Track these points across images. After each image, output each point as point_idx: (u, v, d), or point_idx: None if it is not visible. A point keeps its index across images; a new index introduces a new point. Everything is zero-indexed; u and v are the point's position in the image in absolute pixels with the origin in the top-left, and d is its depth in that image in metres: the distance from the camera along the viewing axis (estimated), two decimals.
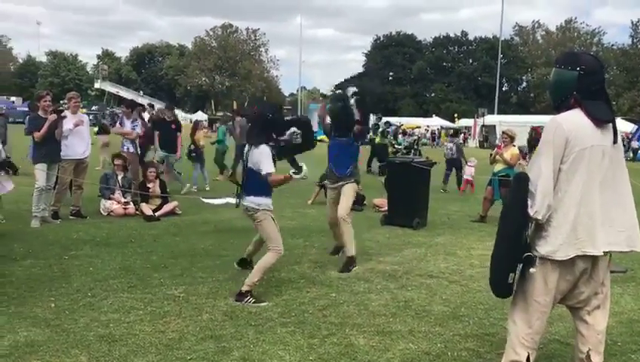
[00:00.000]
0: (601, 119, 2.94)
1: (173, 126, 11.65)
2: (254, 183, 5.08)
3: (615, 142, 2.98)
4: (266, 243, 5.21)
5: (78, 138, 8.50)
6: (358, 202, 10.65)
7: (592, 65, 2.99)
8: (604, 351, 3.21)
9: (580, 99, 2.96)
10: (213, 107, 68.54)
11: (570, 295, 3.10)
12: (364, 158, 14.25)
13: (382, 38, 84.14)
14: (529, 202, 2.89)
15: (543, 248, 2.94)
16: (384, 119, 19.93)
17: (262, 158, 4.95)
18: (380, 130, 18.17)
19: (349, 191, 6.31)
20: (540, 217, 2.88)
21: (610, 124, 2.97)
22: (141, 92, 76.72)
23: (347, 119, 6.24)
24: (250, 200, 5.11)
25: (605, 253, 2.97)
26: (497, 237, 3.09)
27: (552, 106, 3.18)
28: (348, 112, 6.22)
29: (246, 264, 5.77)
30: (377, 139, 17.73)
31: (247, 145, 5.22)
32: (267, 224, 5.10)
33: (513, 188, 3.11)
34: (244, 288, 4.95)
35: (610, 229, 2.94)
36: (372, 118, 19.77)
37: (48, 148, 7.97)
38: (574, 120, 2.92)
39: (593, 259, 2.98)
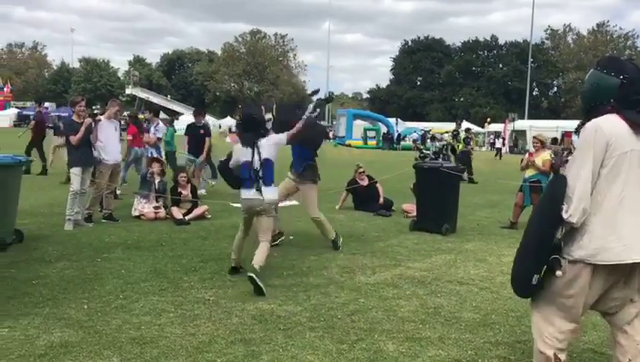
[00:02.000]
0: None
1: (202, 131, 11.80)
2: (270, 174, 5.61)
3: None
4: (261, 236, 5.65)
5: (112, 142, 8.70)
6: (387, 207, 10.64)
7: (635, 75, 2.92)
8: None
9: (617, 106, 2.90)
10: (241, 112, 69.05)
11: (602, 300, 3.03)
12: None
13: (410, 43, 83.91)
14: (564, 205, 2.84)
15: (577, 252, 2.87)
16: (464, 126, 19.81)
17: (274, 139, 5.67)
18: (463, 136, 18.08)
19: (308, 194, 7.15)
20: (574, 221, 2.82)
21: None
22: (169, 96, 77.70)
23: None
24: (271, 193, 5.61)
25: None
26: (526, 237, 3.04)
27: (582, 109, 3.12)
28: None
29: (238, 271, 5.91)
30: (460, 146, 17.64)
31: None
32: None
33: (550, 190, 3.05)
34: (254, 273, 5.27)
35: None
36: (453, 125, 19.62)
37: (83, 152, 8.14)
38: (614, 124, 2.87)
39: (630, 266, 2.91)
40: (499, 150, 38.04)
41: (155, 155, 10.20)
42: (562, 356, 3.04)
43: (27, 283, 5.37)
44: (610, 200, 2.84)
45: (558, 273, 2.86)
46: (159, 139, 10.43)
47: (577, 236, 2.89)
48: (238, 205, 10.59)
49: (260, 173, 5.56)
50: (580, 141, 2.96)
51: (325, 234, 7.31)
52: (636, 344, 3.04)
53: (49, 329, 4.25)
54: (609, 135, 2.82)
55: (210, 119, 41.27)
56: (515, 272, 3.10)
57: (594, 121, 2.91)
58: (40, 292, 5.10)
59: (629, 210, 2.84)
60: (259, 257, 5.49)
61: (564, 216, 2.83)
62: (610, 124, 2.86)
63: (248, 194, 5.60)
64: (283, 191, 7.07)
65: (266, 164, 5.59)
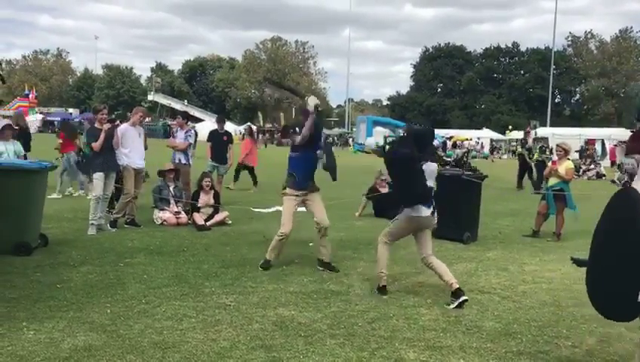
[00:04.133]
0: None
1: (224, 138, 11.90)
2: None
3: None
4: (428, 250, 5.69)
5: (137, 148, 8.82)
6: None
7: None
8: None
9: None
10: (261, 119, 69.49)
11: None
12: None
13: (431, 50, 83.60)
14: None
15: None
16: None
17: (432, 167, 5.72)
18: (540, 146, 18.16)
19: (320, 201, 6.68)
20: None
21: None
22: (185, 101, 78.14)
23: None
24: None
25: None
26: (613, 254, 3.07)
27: (635, 117, 3.23)
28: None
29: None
30: (536, 156, 17.67)
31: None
32: None
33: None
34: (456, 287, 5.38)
35: None
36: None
37: (105, 158, 8.26)
38: None
39: None
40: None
41: (184, 161, 10.28)
42: None
43: (52, 286, 5.45)
44: None
45: None
46: (190, 144, 10.53)
47: None
48: (260, 210, 10.64)
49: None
50: None
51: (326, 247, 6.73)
52: None
53: (73, 332, 4.31)
54: None
55: (230, 126, 41.41)
56: (612, 296, 3.10)
57: None
58: (64, 296, 5.17)
59: None
60: (448, 275, 5.49)
61: None
62: None
63: (427, 212, 5.57)
64: (289, 214, 6.54)
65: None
